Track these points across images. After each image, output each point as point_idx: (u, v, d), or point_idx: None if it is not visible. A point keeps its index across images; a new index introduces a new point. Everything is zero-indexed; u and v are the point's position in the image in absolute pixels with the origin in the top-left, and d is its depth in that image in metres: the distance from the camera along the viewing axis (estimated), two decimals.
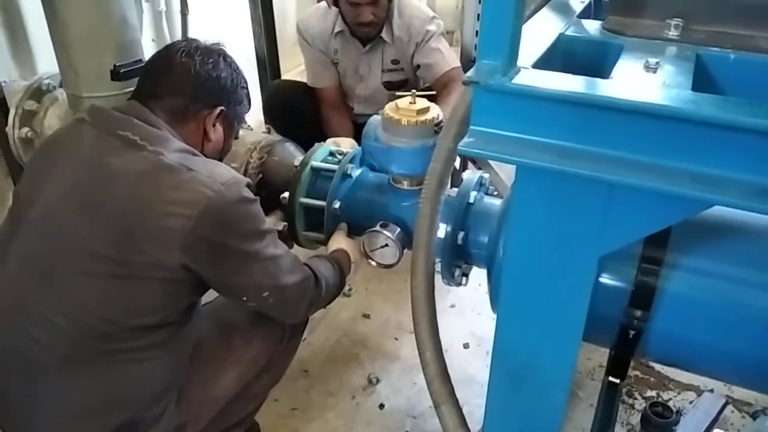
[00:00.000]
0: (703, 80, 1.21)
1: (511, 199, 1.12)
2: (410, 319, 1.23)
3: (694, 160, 0.88)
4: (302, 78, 2.66)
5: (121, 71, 1.74)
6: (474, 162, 2.55)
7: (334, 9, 2.38)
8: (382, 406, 1.93)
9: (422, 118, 1.42)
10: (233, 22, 3.00)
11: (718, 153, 0.86)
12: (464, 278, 1.49)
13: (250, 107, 1.47)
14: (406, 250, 1.47)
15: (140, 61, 1.79)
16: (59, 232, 1.17)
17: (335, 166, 1.56)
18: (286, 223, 1.58)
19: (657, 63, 1.16)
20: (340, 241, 1.54)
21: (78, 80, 1.79)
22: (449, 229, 1.38)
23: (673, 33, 1.32)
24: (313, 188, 1.57)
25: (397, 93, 1.49)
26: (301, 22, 2.49)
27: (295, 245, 1.64)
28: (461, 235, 1.39)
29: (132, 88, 1.36)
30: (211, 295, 1.34)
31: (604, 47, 1.36)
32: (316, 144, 1.66)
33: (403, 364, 2.08)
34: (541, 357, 1.15)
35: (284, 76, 3.05)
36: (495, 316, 1.20)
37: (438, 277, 1.32)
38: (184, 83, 1.28)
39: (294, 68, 3.45)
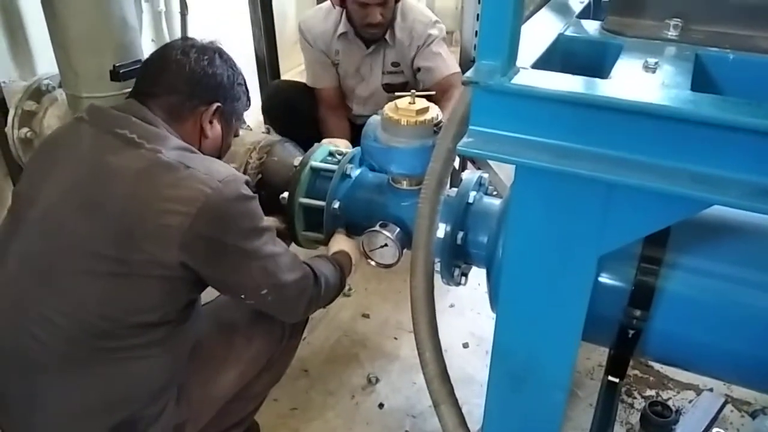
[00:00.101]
0: (702, 80, 1.22)
1: (510, 199, 1.12)
2: (410, 318, 1.23)
3: (693, 160, 0.88)
4: (302, 78, 2.66)
5: (121, 72, 1.74)
6: (473, 162, 2.56)
7: (336, 10, 2.38)
8: (381, 405, 1.93)
9: (421, 118, 1.43)
10: (233, 22, 3.00)
11: (717, 153, 0.86)
12: (463, 278, 1.50)
13: (249, 104, 1.47)
14: (405, 250, 1.47)
15: (139, 61, 1.78)
16: (59, 231, 1.18)
17: (335, 167, 1.56)
18: (284, 225, 1.58)
19: (656, 63, 1.17)
20: (340, 242, 1.54)
21: (77, 81, 1.79)
22: (448, 229, 1.39)
23: (672, 33, 1.32)
24: (312, 188, 1.57)
25: (397, 93, 1.49)
26: (303, 22, 2.49)
27: (295, 245, 1.64)
28: (460, 235, 1.40)
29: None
30: (211, 294, 1.34)
31: (604, 47, 1.37)
32: (316, 144, 1.66)
33: (403, 364, 2.08)
34: (541, 357, 1.15)
35: (283, 77, 3.06)
36: (494, 315, 1.20)
37: (437, 277, 1.32)
38: (180, 80, 1.28)
39: (293, 68, 3.45)
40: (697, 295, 1.12)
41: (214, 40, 1.40)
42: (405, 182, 1.51)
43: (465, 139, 0.99)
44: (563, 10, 1.56)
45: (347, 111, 2.62)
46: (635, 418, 1.82)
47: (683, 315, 1.12)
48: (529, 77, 0.97)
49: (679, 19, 1.32)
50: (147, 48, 1.80)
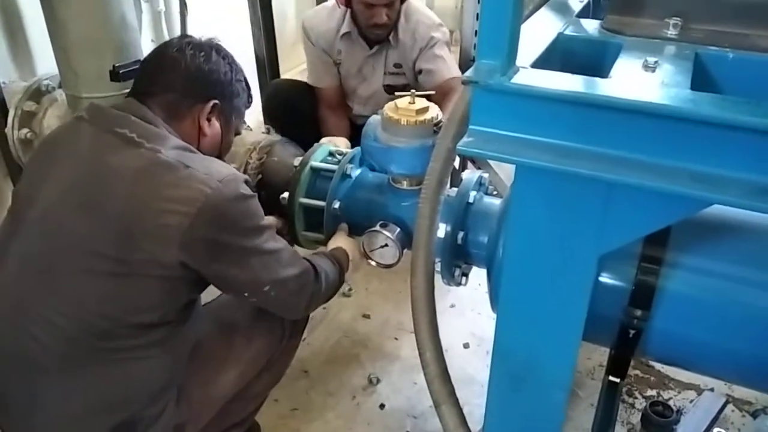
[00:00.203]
0: (701, 79, 1.21)
1: (510, 199, 1.12)
2: (410, 319, 1.23)
3: (693, 159, 0.88)
4: (302, 77, 2.66)
5: (121, 72, 1.74)
6: (473, 162, 2.56)
7: (340, 9, 2.37)
8: (382, 406, 1.93)
9: (421, 118, 1.42)
10: (232, 22, 3.00)
11: (717, 152, 0.86)
12: (464, 278, 1.49)
13: (250, 100, 1.46)
14: (405, 250, 1.47)
15: (139, 61, 1.79)
16: (58, 231, 1.17)
17: (335, 167, 1.56)
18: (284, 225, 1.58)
19: (656, 62, 1.16)
20: (340, 241, 1.54)
21: (77, 81, 1.79)
22: (449, 228, 1.38)
23: (671, 32, 1.32)
24: (312, 188, 1.57)
25: (397, 93, 1.49)
26: (306, 20, 2.48)
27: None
28: (461, 234, 1.39)
29: None
30: (211, 294, 1.34)
31: (603, 46, 1.36)
32: (316, 144, 1.66)
33: (404, 364, 2.08)
34: (541, 357, 1.15)
35: (283, 77, 3.05)
36: (495, 315, 1.20)
37: (438, 277, 1.32)
38: (176, 78, 1.28)
39: (293, 68, 3.45)
40: (697, 294, 1.12)
41: (212, 37, 1.39)
42: (405, 182, 1.51)
43: (465, 139, 0.99)
44: (563, 10, 1.56)
45: (348, 110, 2.62)
46: (636, 418, 1.82)
47: (684, 314, 1.12)
48: (528, 76, 0.97)
49: (678, 18, 1.32)
50: (147, 48, 1.80)
